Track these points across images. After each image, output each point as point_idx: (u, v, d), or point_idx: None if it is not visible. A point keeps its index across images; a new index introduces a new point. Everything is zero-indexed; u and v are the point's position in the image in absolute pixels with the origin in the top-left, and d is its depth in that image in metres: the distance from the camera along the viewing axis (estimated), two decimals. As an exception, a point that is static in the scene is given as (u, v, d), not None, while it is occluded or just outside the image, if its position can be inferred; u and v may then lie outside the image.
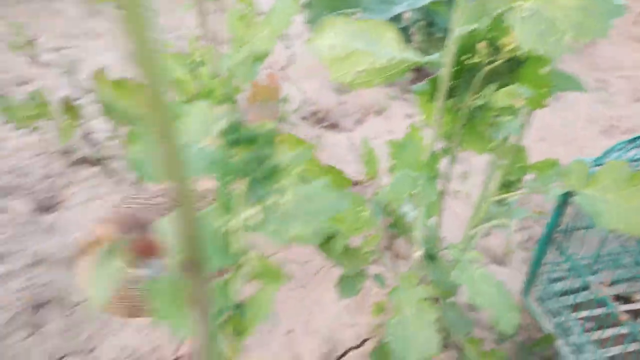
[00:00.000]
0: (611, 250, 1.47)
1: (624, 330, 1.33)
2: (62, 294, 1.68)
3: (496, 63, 0.84)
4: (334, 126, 2.51)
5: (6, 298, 1.64)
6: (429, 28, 2.53)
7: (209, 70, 1.91)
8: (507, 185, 1.34)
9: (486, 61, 0.85)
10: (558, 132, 2.51)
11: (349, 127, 2.53)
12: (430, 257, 1.27)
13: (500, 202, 1.35)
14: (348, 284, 1.40)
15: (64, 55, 2.79)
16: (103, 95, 2.28)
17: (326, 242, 1.39)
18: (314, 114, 2.57)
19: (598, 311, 1.36)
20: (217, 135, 0.55)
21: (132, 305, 1.04)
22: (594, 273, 1.48)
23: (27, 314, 1.61)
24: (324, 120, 2.53)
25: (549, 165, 1.33)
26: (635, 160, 1.28)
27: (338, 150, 2.29)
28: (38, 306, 1.64)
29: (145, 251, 0.88)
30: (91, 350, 1.52)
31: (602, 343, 1.36)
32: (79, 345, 1.53)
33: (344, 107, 2.67)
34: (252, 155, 0.55)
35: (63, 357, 1.50)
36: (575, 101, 2.77)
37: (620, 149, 1.26)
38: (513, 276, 1.70)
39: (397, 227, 1.42)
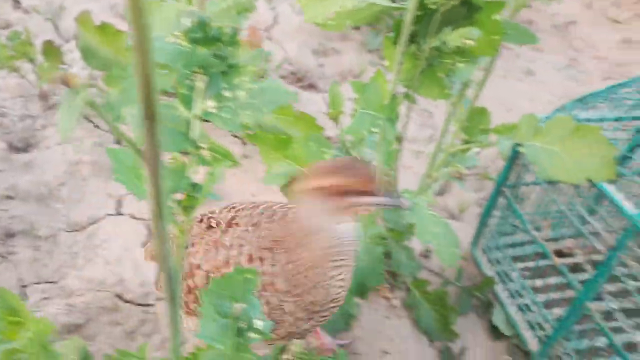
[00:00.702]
0: (557, 209, 1.57)
1: (557, 280, 1.45)
2: (33, 227, 1.72)
3: (452, 3, 0.91)
4: (311, 86, 2.56)
5: (-23, 227, 1.68)
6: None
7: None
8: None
9: (442, 3, 0.92)
10: (525, 104, 2.61)
11: (326, 89, 2.59)
12: (387, 200, 1.36)
13: (456, 155, 1.44)
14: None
15: (48, 2, 2.76)
16: (85, 40, 2.28)
17: (289, 184, 1.46)
18: (293, 73, 2.62)
19: (537, 263, 1.47)
20: (183, 32, 0.61)
21: None
22: (538, 229, 1.59)
23: (-2, 242, 1.65)
24: (302, 81, 2.58)
25: (509, 129, 1.42)
26: (588, 120, 1.37)
27: (314, 108, 2.34)
28: (8, 236, 1.68)
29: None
30: (57, 281, 1.58)
31: (536, 290, 1.48)
32: (46, 275, 1.59)
33: (322, 70, 2.71)
34: (214, 52, 0.61)
35: (30, 284, 1.55)
36: (546, 77, 2.87)
37: (571, 109, 1.35)
38: (466, 230, 1.80)
39: (360, 173, 1.50)
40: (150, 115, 0.44)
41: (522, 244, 1.62)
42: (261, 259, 0.95)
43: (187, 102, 0.61)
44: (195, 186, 0.60)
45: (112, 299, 1.48)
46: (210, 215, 1.11)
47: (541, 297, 1.46)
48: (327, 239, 0.92)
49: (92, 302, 1.46)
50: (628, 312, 1.41)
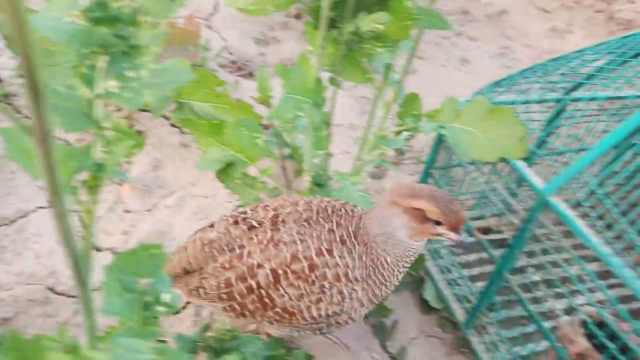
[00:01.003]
0: (483, 189, 1.65)
1: (482, 255, 1.54)
2: (-42, 222, 1.65)
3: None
4: (252, 75, 2.56)
5: None
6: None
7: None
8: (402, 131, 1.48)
9: (356, -11, 0.95)
10: (461, 91, 2.71)
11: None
12: (318, 184, 1.39)
13: (385, 139, 1.49)
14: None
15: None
16: (9, 27, 2.20)
17: (224, 170, 1.47)
18: (234, 62, 2.60)
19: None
20: (81, 12, 0.61)
21: None
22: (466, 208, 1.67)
23: None
24: (243, 69, 2.57)
25: (437, 114, 1.47)
26: (503, 103, 1.45)
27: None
28: None
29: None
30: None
31: (463, 266, 1.56)
32: (-27, 272, 1.53)
33: (264, 58, 2.72)
34: (114, 32, 0.62)
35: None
36: (480, 65, 2.99)
37: (488, 92, 1.43)
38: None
39: (294, 158, 1.53)
40: (35, 92, 0.44)
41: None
42: (329, 251, 1.01)
43: (89, 81, 0.61)
44: (99, 166, 0.61)
45: (43, 291, 1.45)
46: (243, 216, 1.12)
47: (467, 272, 1.54)
48: (404, 250, 1.04)
49: (22, 296, 1.42)
50: (551, 283, 1.51)
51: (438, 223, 0.99)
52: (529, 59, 3.09)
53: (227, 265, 1.05)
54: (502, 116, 1.24)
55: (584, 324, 1.17)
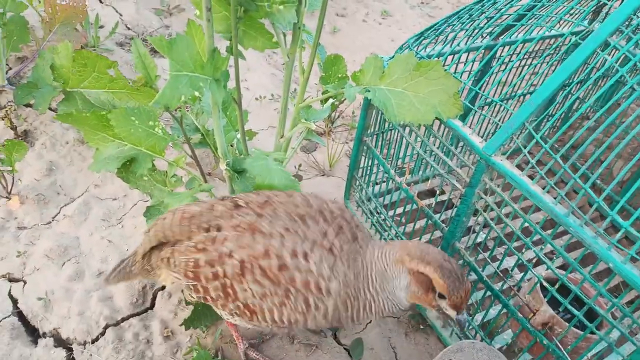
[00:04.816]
0: (423, 150, 1.53)
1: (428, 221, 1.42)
2: None
3: None
4: (156, 52, 2.28)
5: None
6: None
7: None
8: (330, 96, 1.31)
9: None
10: (388, 46, 2.56)
11: (175, 52, 2.32)
12: (237, 171, 1.21)
13: (308, 110, 1.31)
14: (155, 213, 1.30)
15: None
16: None
17: (126, 167, 1.25)
18: (132, 38, 2.30)
19: (404, 208, 1.43)
20: None
21: None
22: (403, 173, 1.55)
23: None
24: (145, 46, 2.28)
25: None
26: (430, 56, 1.30)
27: (162, 77, 2.08)
28: None
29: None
30: None
31: (409, 235, 1.44)
32: None
33: (169, 31, 2.43)
34: None
35: None
36: (402, 17, 2.84)
37: (412, 46, 1.28)
38: (339, 185, 1.73)
39: (207, 144, 1.33)
40: None
41: (390, 191, 1.57)
42: (305, 255, 0.90)
43: None
44: None
45: None
46: (233, 196, 1.02)
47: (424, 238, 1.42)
48: (393, 305, 0.96)
49: None
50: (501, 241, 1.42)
51: (441, 296, 0.91)
52: (450, 6, 2.98)
53: (199, 247, 0.96)
54: (430, 71, 1.09)
55: (544, 288, 1.08)
